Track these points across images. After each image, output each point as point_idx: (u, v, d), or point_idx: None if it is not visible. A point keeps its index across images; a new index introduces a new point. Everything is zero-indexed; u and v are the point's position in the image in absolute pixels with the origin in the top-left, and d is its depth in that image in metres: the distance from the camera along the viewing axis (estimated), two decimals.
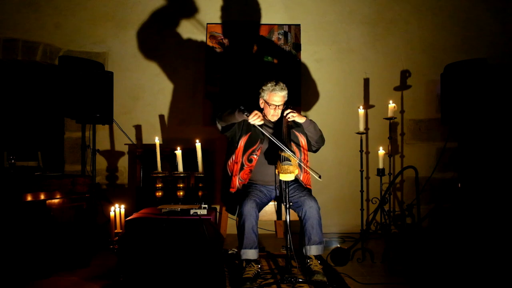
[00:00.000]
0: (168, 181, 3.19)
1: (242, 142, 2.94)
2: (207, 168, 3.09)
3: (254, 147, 2.92)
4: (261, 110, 3.06)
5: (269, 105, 2.94)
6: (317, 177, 2.59)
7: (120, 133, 4.15)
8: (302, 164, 2.87)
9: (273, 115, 2.98)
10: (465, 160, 3.89)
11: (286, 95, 2.97)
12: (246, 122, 2.89)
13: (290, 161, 2.63)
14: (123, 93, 4.16)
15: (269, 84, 2.94)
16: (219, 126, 3.02)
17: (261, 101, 3.02)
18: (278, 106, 2.93)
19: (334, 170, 4.26)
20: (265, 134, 2.79)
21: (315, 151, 3.12)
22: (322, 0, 4.35)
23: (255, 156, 2.92)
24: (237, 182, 2.93)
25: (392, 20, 4.37)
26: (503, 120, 4.03)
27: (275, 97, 2.92)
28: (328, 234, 3.99)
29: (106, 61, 4.20)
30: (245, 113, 2.79)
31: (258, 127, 2.79)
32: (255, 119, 2.77)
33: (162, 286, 2.65)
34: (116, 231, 3.25)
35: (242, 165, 2.93)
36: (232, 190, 2.93)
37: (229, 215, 3.42)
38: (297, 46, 4.30)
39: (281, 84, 2.93)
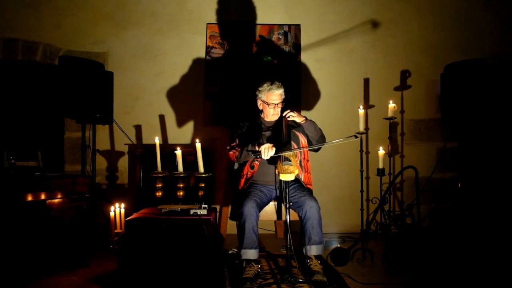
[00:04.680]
0: (168, 181, 3.18)
1: None
2: (207, 168, 3.09)
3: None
4: (260, 112, 3.08)
5: (268, 105, 2.98)
6: (353, 138, 2.64)
7: (120, 133, 4.15)
8: (335, 141, 2.76)
9: (273, 114, 3.01)
10: (465, 160, 3.89)
11: (284, 93, 3.00)
12: (248, 133, 2.97)
13: (290, 161, 2.63)
14: (123, 93, 4.16)
15: (265, 85, 2.98)
16: (237, 164, 3.11)
17: (259, 102, 3.05)
18: (277, 104, 2.97)
19: (334, 170, 4.26)
20: (280, 155, 2.69)
21: (316, 151, 3.13)
22: (322, 0, 4.35)
23: (256, 163, 2.93)
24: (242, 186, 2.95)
25: (392, 20, 4.37)
26: (503, 120, 4.03)
27: (273, 96, 2.96)
28: (328, 234, 3.98)
29: (106, 61, 4.20)
30: (258, 156, 2.75)
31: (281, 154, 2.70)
32: (267, 154, 2.70)
33: (162, 286, 2.65)
34: (116, 231, 3.26)
35: (246, 174, 2.96)
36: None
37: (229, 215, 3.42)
38: (297, 46, 4.30)
39: (277, 82, 2.98)
